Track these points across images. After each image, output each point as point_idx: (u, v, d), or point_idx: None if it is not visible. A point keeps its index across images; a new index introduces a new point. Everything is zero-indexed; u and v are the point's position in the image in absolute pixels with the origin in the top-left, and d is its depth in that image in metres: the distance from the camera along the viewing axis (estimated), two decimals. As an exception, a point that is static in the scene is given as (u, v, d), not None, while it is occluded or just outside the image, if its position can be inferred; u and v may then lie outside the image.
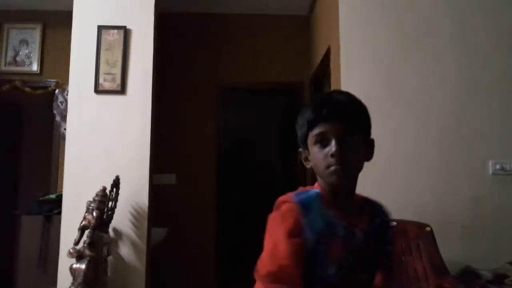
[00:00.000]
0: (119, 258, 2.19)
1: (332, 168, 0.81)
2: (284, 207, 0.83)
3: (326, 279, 0.81)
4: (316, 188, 0.87)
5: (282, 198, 0.86)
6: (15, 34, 3.31)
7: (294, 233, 0.79)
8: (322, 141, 0.83)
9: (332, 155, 0.81)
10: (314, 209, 0.83)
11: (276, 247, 0.80)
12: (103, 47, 2.35)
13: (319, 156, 0.83)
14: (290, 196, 0.86)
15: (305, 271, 0.79)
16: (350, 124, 0.83)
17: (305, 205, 0.83)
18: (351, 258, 0.84)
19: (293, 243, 0.79)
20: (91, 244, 1.95)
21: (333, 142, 0.81)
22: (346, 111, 0.84)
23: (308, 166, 0.89)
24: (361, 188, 2.47)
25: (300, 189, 0.89)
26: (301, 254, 0.79)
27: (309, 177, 3.39)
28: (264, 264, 0.80)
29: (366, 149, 0.88)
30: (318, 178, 0.87)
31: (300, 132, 0.89)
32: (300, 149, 0.91)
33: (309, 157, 0.88)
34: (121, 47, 2.35)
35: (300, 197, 0.85)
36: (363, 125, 0.88)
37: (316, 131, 0.84)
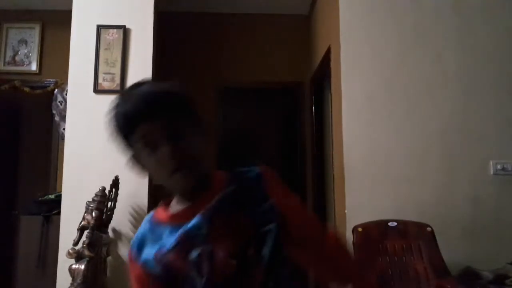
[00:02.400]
0: (119, 258, 2.19)
1: (177, 174, 0.68)
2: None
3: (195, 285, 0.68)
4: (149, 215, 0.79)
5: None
6: (14, 34, 3.30)
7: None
8: (149, 145, 0.69)
9: (168, 157, 0.67)
10: (146, 240, 0.74)
11: None
12: (102, 46, 2.35)
13: (151, 162, 0.70)
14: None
15: None
16: (169, 117, 0.69)
17: (136, 247, 0.75)
18: (203, 254, 0.69)
19: None
20: (90, 245, 1.94)
21: (163, 146, 0.68)
22: (156, 105, 0.69)
23: (145, 175, 0.77)
24: (361, 188, 2.45)
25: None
26: None
27: (309, 178, 3.38)
28: None
29: (201, 132, 0.74)
30: (160, 183, 0.74)
31: (118, 138, 0.74)
32: (128, 159, 0.75)
33: (140, 166, 0.74)
34: (121, 47, 2.34)
35: (134, 240, 0.77)
36: (187, 111, 0.74)
37: (135, 137, 0.70)
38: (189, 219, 0.70)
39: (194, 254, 0.69)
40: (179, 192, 0.75)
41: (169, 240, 0.71)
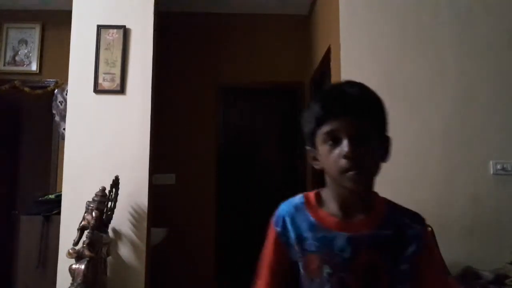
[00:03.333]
0: (119, 258, 2.19)
1: (350, 173, 0.71)
2: (269, 235, 0.80)
3: None
4: (301, 195, 0.82)
5: (274, 214, 0.82)
6: (14, 34, 3.30)
7: (274, 263, 0.78)
8: (333, 140, 0.73)
9: (345, 157, 0.71)
10: (295, 218, 0.78)
11: (260, 271, 0.80)
12: (102, 46, 2.35)
13: (330, 157, 0.73)
14: (275, 214, 0.81)
15: None
16: (364, 119, 0.72)
17: (281, 220, 0.79)
18: (335, 275, 0.72)
19: (272, 274, 0.77)
20: (90, 245, 1.94)
21: (345, 142, 0.71)
22: (360, 106, 0.73)
23: (317, 167, 0.79)
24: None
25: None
26: (282, 279, 0.77)
27: (308, 177, 3.38)
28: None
29: (382, 148, 0.77)
30: (328, 178, 0.78)
31: (306, 128, 0.79)
32: (308, 147, 0.80)
33: (317, 157, 0.78)
34: (121, 47, 2.34)
35: (276, 215, 0.81)
36: (379, 121, 0.76)
37: (325, 128, 0.73)
38: (339, 230, 0.74)
39: (326, 270, 0.73)
40: (344, 189, 0.75)
41: (311, 237, 0.75)
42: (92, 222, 1.97)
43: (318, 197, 0.81)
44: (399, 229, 0.76)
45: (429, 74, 2.30)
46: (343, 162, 0.71)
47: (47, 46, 3.31)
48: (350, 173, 0.71)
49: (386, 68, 2.31)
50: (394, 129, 2.54)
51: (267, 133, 3.58)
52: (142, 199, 2.25)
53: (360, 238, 0.73)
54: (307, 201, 0.80)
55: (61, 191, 2.34)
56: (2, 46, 3.28)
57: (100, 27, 2.36)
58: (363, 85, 0.78)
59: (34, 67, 3.28)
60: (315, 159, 0.79)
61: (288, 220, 0.78)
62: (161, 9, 2.57)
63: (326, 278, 0.72)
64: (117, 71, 2.33)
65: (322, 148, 0.75)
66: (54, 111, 3.14)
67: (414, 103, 2.29)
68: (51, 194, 2.78)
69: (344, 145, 0.71)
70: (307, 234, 0.76)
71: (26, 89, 3.19)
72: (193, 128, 3.43)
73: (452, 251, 2.00)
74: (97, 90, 2.32)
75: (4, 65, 3.27)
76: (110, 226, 2.15)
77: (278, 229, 0.78)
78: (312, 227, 0.76)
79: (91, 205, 2.02)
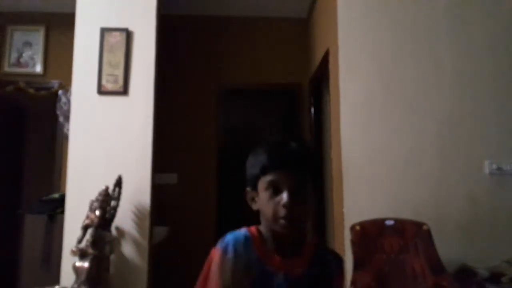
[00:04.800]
0: (122, 256, 2.22)
1: (282, 221, 0.80)
2: (214, 262, 0.84)
3: None
4: (246, 229, 0.88)
5: (221, 243, 0.86)
6: (19, 36, 3.35)
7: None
8: (274, 189, 0.82)
9: (283, 206, 0.80)
10: (238, 252, 0.83)
11: None
12: (105, 48, 2.38)
13: (269, 203, 0.82)
14: (224, 242, 0.85)
15: None
16: (304, 174, 0.83)
17: (227, 250, 0.84)
18: None
19: None
20: (93, 243, 1.98)
21: (285, 193, 0.80)
22: (301, 161, 0.83)
23: (254, 208, 0.88)
24: (359, 187, 2.49)
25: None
26: None
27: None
28: None
29: (315, 197, 0.86)
30: (262, 220, 0.87)
31: (251, 172, 0.88)
32: (248, 189, 0.90)
33: (256, 199, 0.87)
34: (124, 49, 2.38)
35: (225, 242, 0.85)
36: (314, 174, 0.87)
37: (269, 177, 0.83)
38: (279, 269, 0.82)
39: None
40: (275, 233, 0.84)
41: (256, 272, 0.82)
42: (96, 220, 2.01)
43: (260, 234, 0.88)
44: (324, 267, 0.86)
45: (425, 75, 2.34)
46: (282, 210, 0.80)
47: (51, 48, 3.35)
48: (285, 221, 0.80)
49: (383, 70, 2.35)
50: (391, 129, 2.60)
51: (267, 133, 3.62)
52: (145, 198, 2.28)
53: (296, 277, 0.82)
54: (252, 236, 0.87)
55: (65, 191, 2.38)
56: (6, 48, 3.32)
57: (103, 30, 2.40)
58: (303, 140, 0.91)
59: (38, 69, 3.33)
60: (253, 200, 0.88)
61: (238, 249, 0.84)
62: (163, 12, 2.61)
63: None
64: (120, 72, 2.37)
65: (263, 194, 0.84)
66: (58, 112, 3.19)
67: (411, 104, 2.32)
68: (55, 193, 2.83)
69: (284, 196, 0.80)
70: (252, 269, 0.82)
71: (31, 90, 3.23)
72: (194, 128, 3.47)
73: (448, 249, 2.04)
74: (101, 91, 2.36)
75: (8, 66, 3.31)
76: (113, 224, 2.18)
77: (229, 255, 0.83)
78: (257, 262, 0.83)
79: (95, 204, 2.06)
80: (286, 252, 0.84)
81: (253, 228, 0.89)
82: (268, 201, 0.83)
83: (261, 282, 0.81)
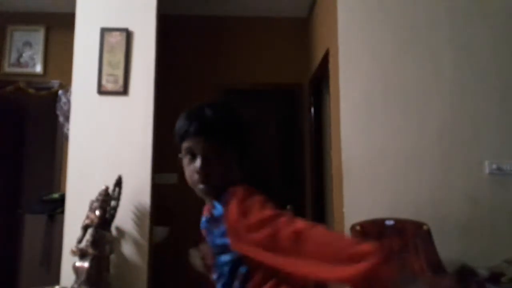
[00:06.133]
0: (122, 256, 2.22)
1: (200, 186, 0.87)
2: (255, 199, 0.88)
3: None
4: None
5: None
6: (19, 36, 3.35)
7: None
8: (191, 155, 0.87)
9: (197, 172, 0.86)
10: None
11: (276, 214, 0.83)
12: (105, 48, 2.39)
13: (188, 168, 0.89)
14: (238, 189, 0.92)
15: None
16: (217, 141, 0.86)
17: None
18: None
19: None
20: (94, 243, 1.98)
21: (198, 159, 0.86)
22: (213, 129, 0.86)
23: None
24: (359, 187, 2.49)
25: None
26: None
27: (308, 177, 3.42)
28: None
29: (236, 157, 0.90)
30: None
31: (176, 139, 0.92)
32: (180, 155, 0.92)
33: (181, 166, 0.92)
34: (124, 49, 2.38)
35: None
36: (232, 138, 0.89)
37: (185, 144, 0.88)
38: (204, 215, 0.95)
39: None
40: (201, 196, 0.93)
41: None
42: (96, 220, 2.01)
43: None
44: (212, 215, 0.89)
45: (425, 75, 2.34)
46: (196, 176, 0.87)
47: (51, 48, 3.35)
48: (200, 186, 0.87)
49: (383, 70, 2.35)
50: (391, 129, 2.60)
51: (267, 133, 3.62)
52: (145, 198, 2.28)
53: (203, 221, 0.94)
54: None
55: (65, 191, 2.38)
56: (7, 48, 3.33)
57: (103, 30, 2.40)
58: (222, 106, 0.93)
59: (38, 69, 3.33)
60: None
61: None
62: (163, 12, 2.61)
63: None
64: (120, 73, 2.37)
65: (184, 160, 0.90)
66: (58, 112, 3.19)
67: (411, 104, 2.32)
68: (55, 193, 2.83)
69: (197, 162, 0.86)
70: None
71: (31, 90, 3.23)
72: (194, 128, 3.47)
73: (449, 249, 2.04)
74: (101, 91, 2.36)
75: (9, 66, 3.31)
76: (113, 224, 2.19)
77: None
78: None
79: (95, 204, 2.06)
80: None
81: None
82: (187, 167, 0.89)
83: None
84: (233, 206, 0.81)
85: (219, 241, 0.84)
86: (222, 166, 0.87)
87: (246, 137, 0.93)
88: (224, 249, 0.83)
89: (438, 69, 2.35)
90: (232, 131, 0.90)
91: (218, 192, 0.87)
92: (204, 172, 0.85)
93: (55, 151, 3.27)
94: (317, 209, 3.14)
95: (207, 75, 3.53)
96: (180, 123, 0.90)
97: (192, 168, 0.87)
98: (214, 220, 0.87)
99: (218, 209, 0.85)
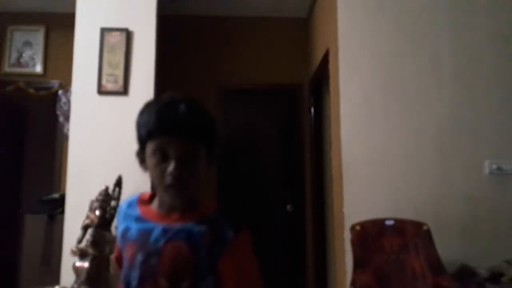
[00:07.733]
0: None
1: (171, 190, 0.77)
2: None
3: (130, 282, 0.79)
4: (139, 194, 0.89)
5: None
6: (19, 36, 3.35)
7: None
8: (162, 155, 0.77)
9: (170, 174, 0.76)
10: (125, 212, 0.87)
11: None
12: (105, 48, 2.39)
13: (156, 169, 0.78)
14: None
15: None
16: (193, 141, 0.77)
17: (120, 210, 0.90)
18: (145, 263, 0.78)
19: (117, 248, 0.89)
20: (93, 243, 1.98)
21: (172, 162, 0.76)
22: (190, 127, 0.77)
23: (144, 171, 0.83)
24: (359, 187, 2.50)
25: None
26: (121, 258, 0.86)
27: (308, 177, 3.42)
28: None
29: (207, 162, 0.82)
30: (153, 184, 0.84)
31: (139, 132, 0.82)
32: (138, 150, 0.84)
33: (146, 161, 0.81)
34: (124, 49, 2.39)
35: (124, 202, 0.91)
36: (207, 139, 0.81)
37: (155, 143, 0.78)
38: (157, 222, 0.81)
39: (140, 258, 0.79)
40: (163, 198, 0.83)
41: (134, 228, 0.83)
42: (96, 220, 2.01)
43: (152, 196, 0.87)
44: (214, 230, 0.80)
45: (425, 75, 2.34)
46: (168, 179, 0.76)
47: (51, 48, 3.35)
48: (172, 189, 0.77)
49: (383, 70, 2.35)
50: (391, 129, 2.60)
51: (267, 133, 3.62)
52: (145, 198, 2.28)
53: (173, 230, 0.79)
54: (140, 199, 0.88)
55: (65, 191, 2.38)
56: (6, 48, 3.32)
57: (103, 30, 2.40)
58: (196, 104, 0.81)
59: (38, 69, 3.33)
60: (144, 161, 0.83)
61: (121, 215, 0.89)
62: (163, 12, 2.61)
63: (138, 265, 0.79)
64: (120, 72, 2.37)
65: (150, 159, 0.79)
66: (58, 112, 3.19)
67: (411, 104, 2.32)
68: (55, 193, 2.83)
69: (172, 165, 0.76)
70: (132, 225, 0.83)
71: (31, 90, 3.23)
72: (194, 129, 3.47)
73: (448, 249, 2.04)
74: (101, 91, 2.36)
75: (8, 66, 3.32)
76: (113, 224, 2.19)
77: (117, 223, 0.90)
78: (137, 219, 0.84)
79: (95, 204, 2.06)
80: (171, 211, 0.81)
81: (149, 193, 0.89)
82: (155, 168, 0.78)
83: (138, 237, 0.81)
84: (248, 238, 0.82)
85: (207, 262, 0.78)
86: (198, 172, 0.79)
87: (218, 139, 0.84)
88: (207, 271, 0.78)
89: (438, 68, 2.35)
90: (208, 132, 0.81)
91: (190, 198, 0.81)
92: (181, 177, 0.76)
93: (55, 151, 3.28)
94: (317, 209, 3.14)
95: (207, 75, 3.53)
96: (147, 118, 0.79)
97: (163, 169, 0.76)
98: (216, 239, 0.79)
99: (229, 233, 0.80)
